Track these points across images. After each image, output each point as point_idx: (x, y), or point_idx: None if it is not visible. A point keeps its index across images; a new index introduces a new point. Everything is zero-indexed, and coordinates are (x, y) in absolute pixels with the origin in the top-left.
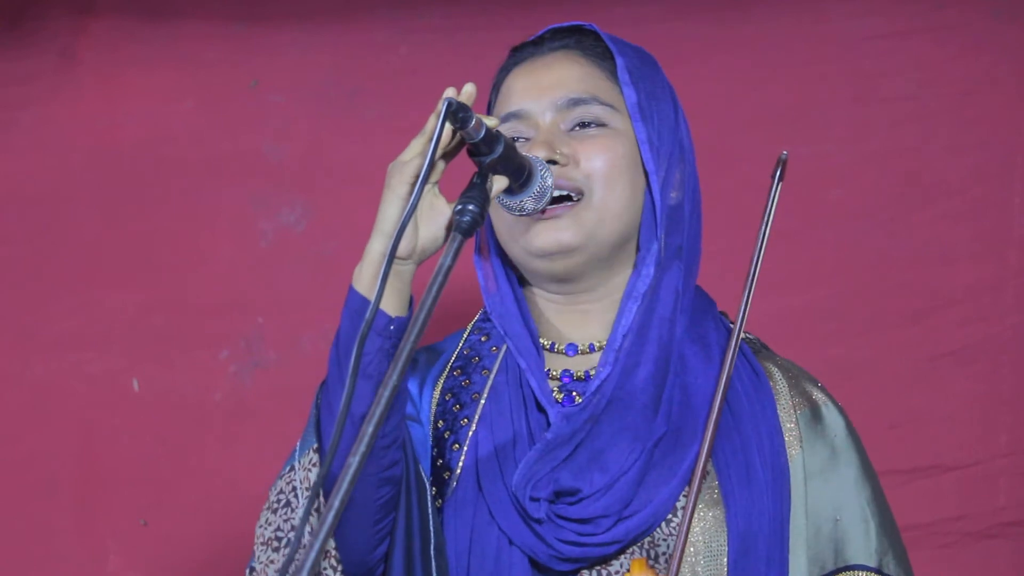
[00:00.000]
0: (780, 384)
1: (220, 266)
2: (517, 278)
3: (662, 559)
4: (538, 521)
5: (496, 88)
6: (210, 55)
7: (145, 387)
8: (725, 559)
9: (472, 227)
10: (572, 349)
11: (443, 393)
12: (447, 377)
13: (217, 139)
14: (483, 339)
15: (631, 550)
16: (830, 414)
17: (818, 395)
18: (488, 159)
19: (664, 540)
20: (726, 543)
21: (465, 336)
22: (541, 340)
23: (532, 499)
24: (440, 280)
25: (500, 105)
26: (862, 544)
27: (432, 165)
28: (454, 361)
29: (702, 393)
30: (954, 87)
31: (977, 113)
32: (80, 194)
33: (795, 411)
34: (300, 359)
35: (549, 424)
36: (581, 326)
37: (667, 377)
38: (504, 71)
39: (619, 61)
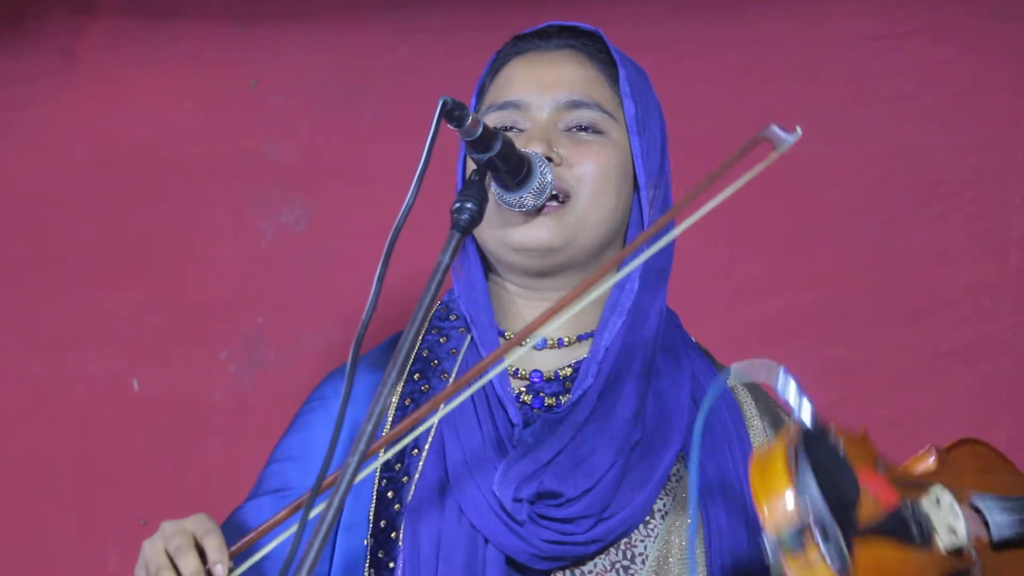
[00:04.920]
0: (743, 395)
1: (220, 266)
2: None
3: (638, 559)
4: (520, 523)
5: (493, 72)
6: (210, 55)
7: (145, 387)
8: (704, 566)
9: (470, 225)
10: (543, 343)
11: (402, 398)
12: (406, 381)
13: (217, 139)
14: (441, 340)
15: (609, 550)
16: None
17: (780, 411)
18: (486, 156)
19: (641, 541)
20: (703, 548)
21: (422, 336)
22: (507, 333)
23: (515, 500)
24: (439, 278)
25: (496, 91)
26: None
27: (428, 163)
28: (412, 364)
29: (674, 400)
30: (954, 87)
31: (977, 113)
32: (80, 194)
33: (761, 419)
34: (300, 359)
35: (513, 424)
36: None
37: (648, 389)
38: (504, 57)
39: (621, 72)
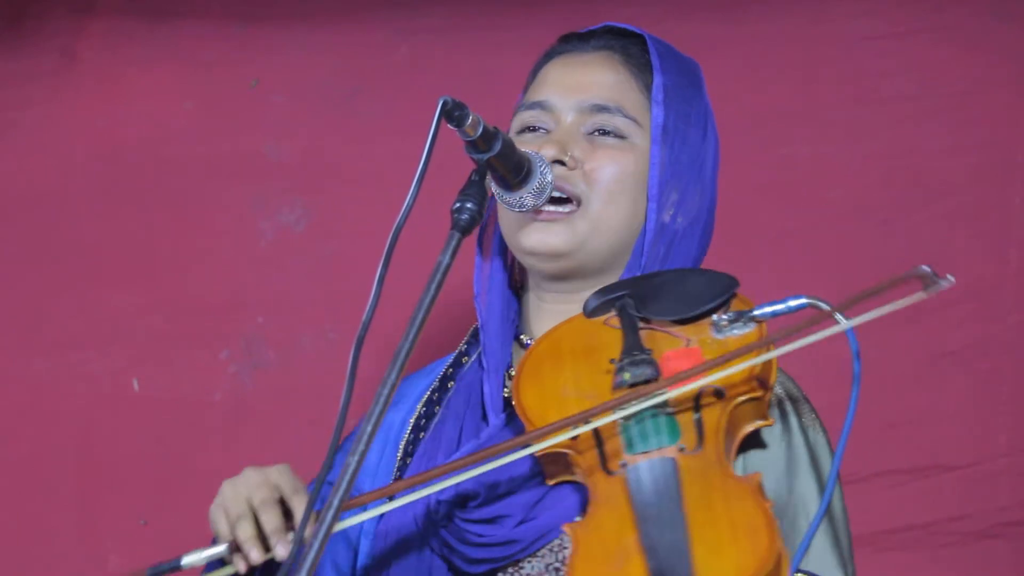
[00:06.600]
0: None
1: (220, 266)
2: (520, 280)
3: None
4: (438, 524)
5: (535, 71)
6: (210, 55)
7: (145, 387)
8: None
9: (470, 225)
10: None
11: (417, 419)
12: (425, 402)
13: (217, 139)
14: (464, 359)
15: (544, 552)
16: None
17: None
18: (486, 156)
19: None
20: None
21: (453, 359)
22: (522, 336)
23: (437, 501)
24: (438, 278)
25: (532, 90)
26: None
27: (428, 163)
28: (435, 386)
29: None
30: (954, 87)
31: (977, 113)
32: (80, 194)
33: None
34: (300, 359)
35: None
36: None
37: None
38: (547, 57)
39: (656, 79)
